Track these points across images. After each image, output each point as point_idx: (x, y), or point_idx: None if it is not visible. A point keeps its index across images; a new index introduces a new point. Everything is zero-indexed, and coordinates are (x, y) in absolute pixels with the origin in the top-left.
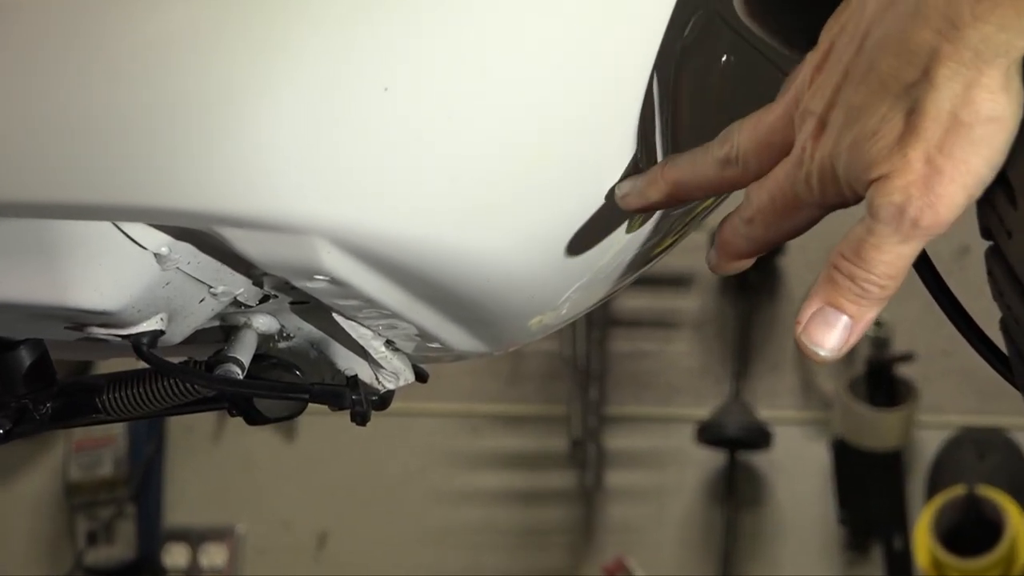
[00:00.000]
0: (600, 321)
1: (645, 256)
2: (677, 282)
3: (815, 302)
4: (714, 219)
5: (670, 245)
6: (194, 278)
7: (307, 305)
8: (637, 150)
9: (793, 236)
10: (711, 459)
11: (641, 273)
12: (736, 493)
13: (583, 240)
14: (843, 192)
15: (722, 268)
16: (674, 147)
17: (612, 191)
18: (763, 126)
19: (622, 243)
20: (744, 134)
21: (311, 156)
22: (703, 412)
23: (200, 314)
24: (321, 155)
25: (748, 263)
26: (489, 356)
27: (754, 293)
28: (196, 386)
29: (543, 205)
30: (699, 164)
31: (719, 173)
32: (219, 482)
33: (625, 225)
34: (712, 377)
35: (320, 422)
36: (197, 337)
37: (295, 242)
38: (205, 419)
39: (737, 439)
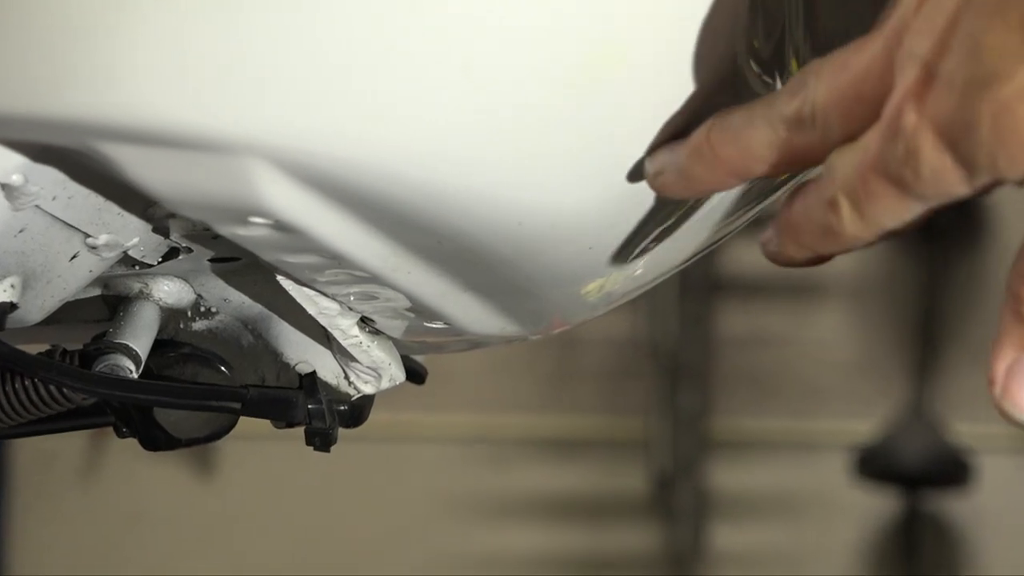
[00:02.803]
0: (699, 287)
1: (767, 181)
2: None
3: (1007, 350)
4: None
5: (780, 184)
6: (62, 222)
7: (237, 264)
8: (748, 24)
9: (900, 233)
10: (877, 505)
11: (763, 208)
12: (919, 557)
13: None
14: (966, 177)
15: (784, 258)
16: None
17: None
18: (850, 71)
19: None
20: (823, 82)
21: (240, 27)
22: (862, 430)
23: (71, 278)
24: (257, 26)
25: (824, 260)
26: (522, 342)
27: (946, 242)
28: (64, 390)
29: (604, 103)
30: (758, 126)
31: (787, 139)
32: (91, 541)
33: None
34: (878, 375)
35: (256, 449)
36: (68, 314)
37: (219, 165)
38: (73, 444)
39: (920, 473)
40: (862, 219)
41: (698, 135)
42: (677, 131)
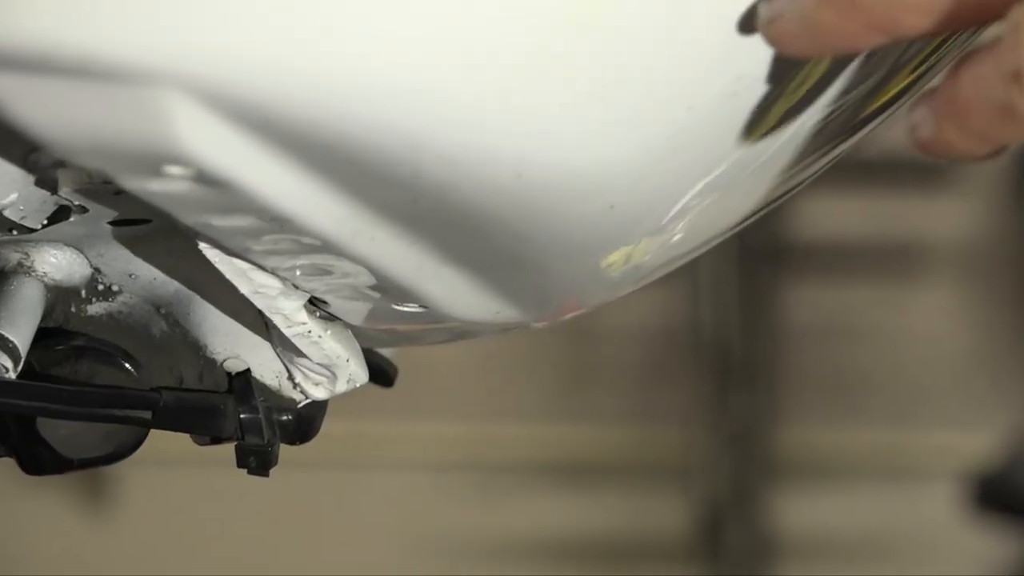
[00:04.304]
0: (759, 258)
1: (847, 117)
2: (916, 172)
3: None
4: None
5: (897, 95)
6: None
7: (147, 228)
8: None
9: None
10: (995, 548)
11: (845, 149)
12: None
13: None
14: None
15: (941, 146)
16: None
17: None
18: None
19: (796, 97)
20: None
21: None
22: (977, 448)
23: None
24: None
25: (994, 154)
26: (523, 331)
27: None
28: None
29: (627, 18)
30: None
31: None
32: None
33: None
34: (997, 374)
35: (169, 475)
36: None
37: (122, 97)
38: None
39: None
40: None
41: None
42: None
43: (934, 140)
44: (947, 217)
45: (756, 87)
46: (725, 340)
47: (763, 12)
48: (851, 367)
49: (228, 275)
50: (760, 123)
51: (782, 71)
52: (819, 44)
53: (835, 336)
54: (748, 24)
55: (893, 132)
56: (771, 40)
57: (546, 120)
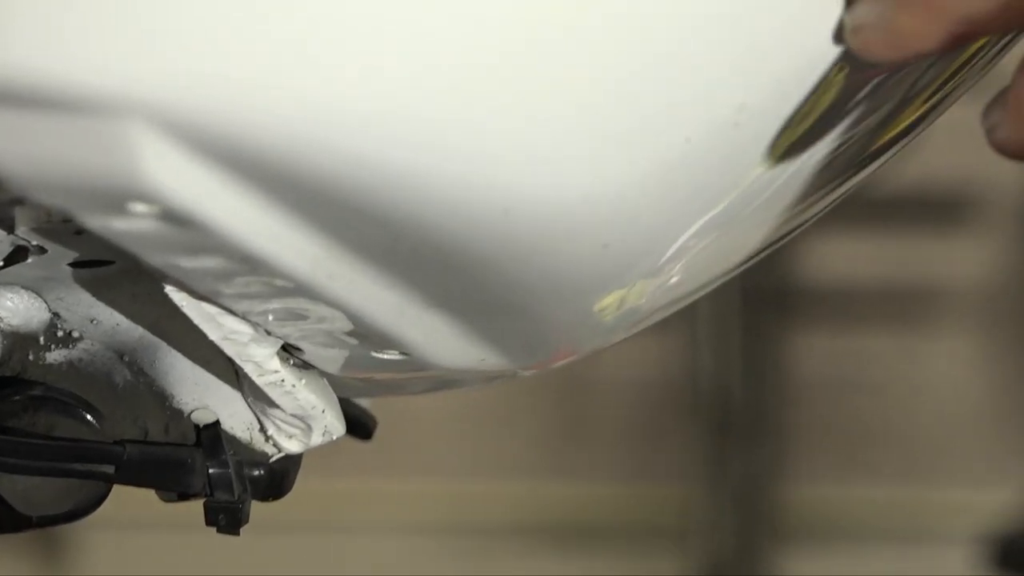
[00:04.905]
0: (764, 302)
1: (856, 150)
2: (930, 211)
3: None
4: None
5: (910, 127)
6: None
7: (110, 270)
8: None
9: None
10: None
11: (855, 184)
12: None
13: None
14: None
15: (1018, 147)
16: None
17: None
18: None
19: (802, 129)
20: None
21: None
22: (999, 506)
23: None
24: None
25: None
26: (511, 380)
27: None
28: None
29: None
30: None
31: None
32: None
33: (815, 71)
34: (1014, 429)
35: (132, 538)
36: None
37: (83, 129)
38: None
39: None
40: None
41: None
42: None
43: (1008, 140)
44: (964, 259)
45: (759, 118)
46: (727, 391)
47: (847, 23)
48: (862, 420)
49: (196, 320)
50: (764, 156)
51: (787, 101)
52: (903, 49)
53: (844, 387)
54: (838, 37)
55: (906, 167)
56: (858, 50)
57: (534, 152)
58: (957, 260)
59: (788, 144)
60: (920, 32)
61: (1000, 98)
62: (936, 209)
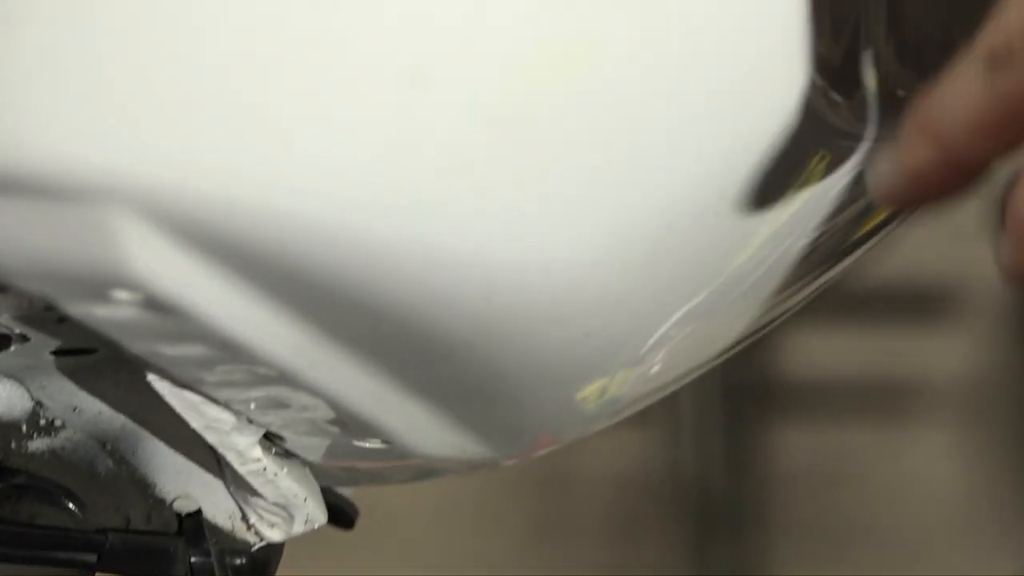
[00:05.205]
0: (743, 394)
1: (837, 240)
2: (913, 304)
3: None
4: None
5: (890, 217)
6: None
7: (92, 358)
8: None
9: None
10: None
11: (836, 274)
12: None
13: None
14: None
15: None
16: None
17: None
18: None
19: (783, 217)
20: (1017, 10)
21: (84, 22)
22: None
23: None
24: (104, 23)
25: None
26: (492, 469)
27: None
28: None
29: (606, 143)
30: (960, 81)
31: (987, 87)
32: None
33: (798, 175)
34: (1002, 524)
35: None
36: None
37: (66, 217)
38: None
39: None
40: None
41: (908, 123)
42: None
43: (1014, 265)
44: (944, 353)
45: (741, 206)
46: (708, 486)
47: (872, 180)
48: (843, 514)
49: (178, 408)
50: (745, 245)
51: (767, 192)
52: (919, 187)
53: (827, 482)
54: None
55: (886, 261)
56: (884, 202)
57: (517, 240)
58: (937, 354)
59: (770, 232)
60: (921, 161)
61: (999, 232)
62: (916, 303)
